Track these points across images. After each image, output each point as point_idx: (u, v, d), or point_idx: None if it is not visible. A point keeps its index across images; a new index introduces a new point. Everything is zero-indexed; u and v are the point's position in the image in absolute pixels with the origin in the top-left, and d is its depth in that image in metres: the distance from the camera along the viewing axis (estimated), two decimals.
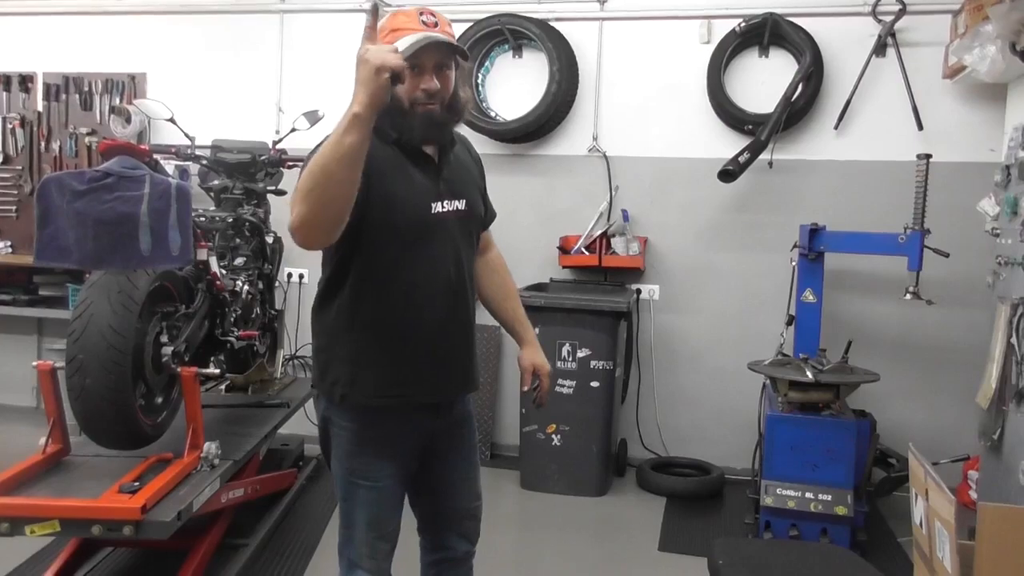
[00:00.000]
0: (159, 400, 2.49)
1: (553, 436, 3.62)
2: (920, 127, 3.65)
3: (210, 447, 2.46)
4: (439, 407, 1.75)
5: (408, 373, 1.67)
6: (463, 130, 1.82)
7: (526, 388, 1.92)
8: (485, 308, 1.93)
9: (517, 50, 4.14)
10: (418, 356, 1.67)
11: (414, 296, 1.63)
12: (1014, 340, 2.77)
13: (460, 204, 1.69)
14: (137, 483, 2.18)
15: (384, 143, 1.59)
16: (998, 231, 3.10)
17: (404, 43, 1.50)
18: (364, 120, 1.34)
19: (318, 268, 1.72)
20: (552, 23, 4.01)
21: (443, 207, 1.65)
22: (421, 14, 1.57)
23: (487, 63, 4.15)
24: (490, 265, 1.91)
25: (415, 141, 1.62)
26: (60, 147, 4.45)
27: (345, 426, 1.69)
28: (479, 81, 4.14)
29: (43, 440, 2.38)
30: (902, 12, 3.65)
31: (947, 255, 3.20)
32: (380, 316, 1.63)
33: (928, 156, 3.13)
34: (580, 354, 3.57)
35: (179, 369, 2.44)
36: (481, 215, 1.80)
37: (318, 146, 1.46)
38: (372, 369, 1.65)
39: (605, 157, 4.05)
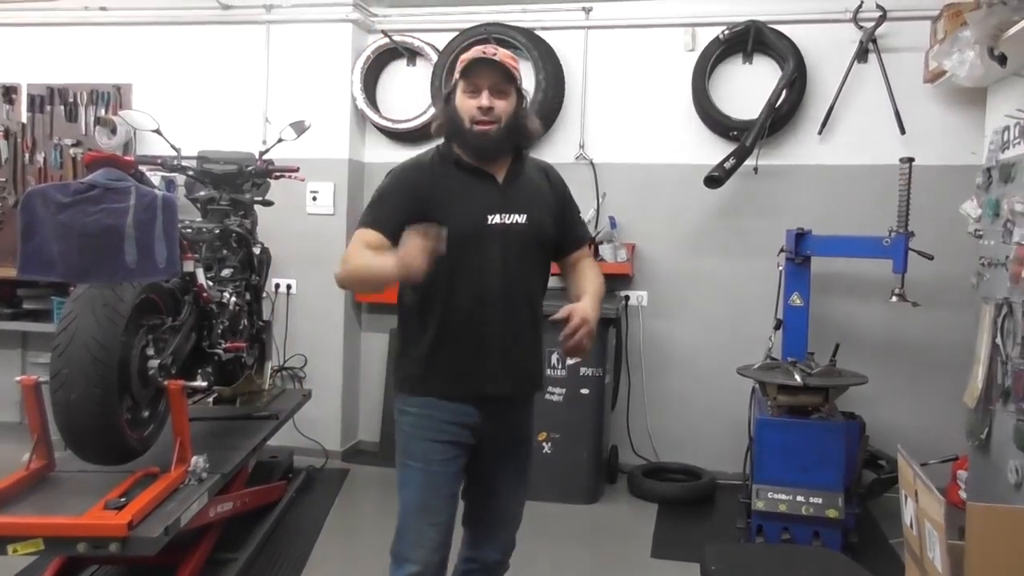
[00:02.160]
0: (145, 414, 2.46)
1: (544, 444, 3.61)
2: (902, 131, 3.68)
3: (198, 461, 2.44)
4: (490, 403, 1.85)
5: (462, 368, 1.83)
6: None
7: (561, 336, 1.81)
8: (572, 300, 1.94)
9: None
10: (471, 353, 1.82)
11: (469, 299, 1.80)
12: (999, 340, 2.80)
13: (520, 218, 1.85)
14: (123, 499, 2.16)
15: (446, 163, 1.85)
16: (981, 233, 3.13)
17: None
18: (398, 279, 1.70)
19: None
20: (538, 32, 4.03)
21: (500, 219, 1.82)
22: (484, 51, 1.81)
23: None
24: (576, 268, 2.02)
25: (470, 156, 1.82)
26: (45, 159, 4.41)
27: (407, 411, 1.88)
28: None
29: (27, 456, 2.36)
30: (882, 18, 3.70)
31: (931, 257, 3.23)
32: (442, 317, 1.81)
33: (911, 160, 3.16)
34: (569, 361, 3.57)
35: (166, 382, 2.41)
36: (547, 231, 1.91)
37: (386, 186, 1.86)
38: (433, 366, 1.83)
39: (592, 164, 4.06)
